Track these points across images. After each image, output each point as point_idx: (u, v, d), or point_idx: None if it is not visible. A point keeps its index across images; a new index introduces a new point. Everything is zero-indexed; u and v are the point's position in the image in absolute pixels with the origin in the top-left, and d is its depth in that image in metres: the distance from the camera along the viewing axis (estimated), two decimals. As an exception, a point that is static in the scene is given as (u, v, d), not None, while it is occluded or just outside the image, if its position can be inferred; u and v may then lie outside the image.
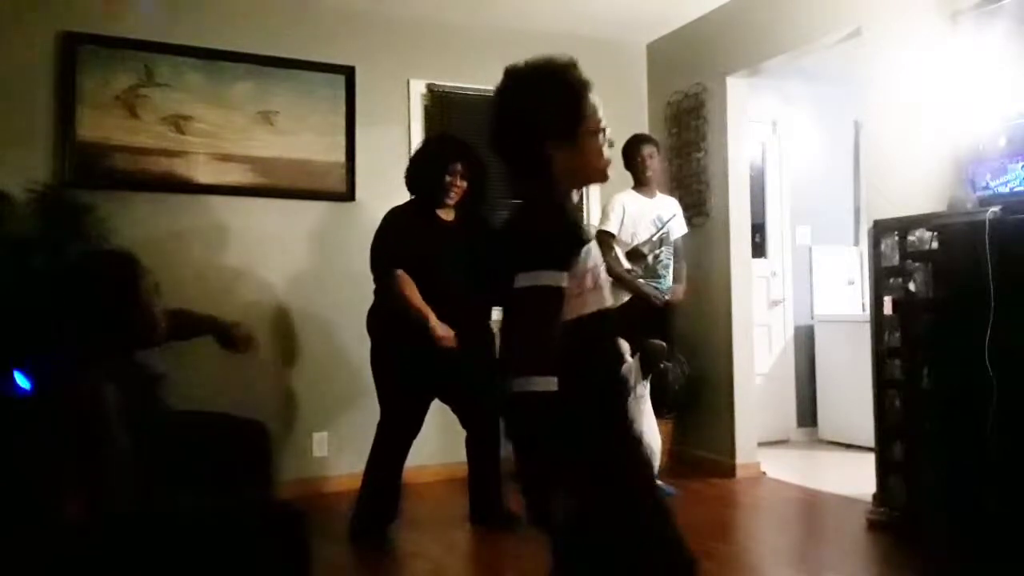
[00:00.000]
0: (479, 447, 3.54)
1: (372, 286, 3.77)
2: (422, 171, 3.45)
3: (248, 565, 1.80)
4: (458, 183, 3.40)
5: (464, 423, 3.57)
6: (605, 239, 3.88)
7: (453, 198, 3.42)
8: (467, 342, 3.34)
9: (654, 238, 3.90)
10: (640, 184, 4.08)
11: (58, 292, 2.24)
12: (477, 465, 3.57)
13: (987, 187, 3.10)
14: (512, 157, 1.70)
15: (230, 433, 2.95)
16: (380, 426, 3.46)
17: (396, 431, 3.44)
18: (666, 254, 4.03)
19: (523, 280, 1.53)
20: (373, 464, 3.45)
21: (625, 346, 2.67)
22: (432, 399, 3.52)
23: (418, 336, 3.27)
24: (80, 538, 1.70)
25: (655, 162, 4.10)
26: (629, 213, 3.98)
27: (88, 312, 2.13)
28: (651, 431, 3.78)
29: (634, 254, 3.85)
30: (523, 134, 1.65)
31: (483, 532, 3.53)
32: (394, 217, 3.47)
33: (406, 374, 3.38)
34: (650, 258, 3.90)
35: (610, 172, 1.72)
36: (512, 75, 1.68)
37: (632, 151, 4.06)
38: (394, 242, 3.40)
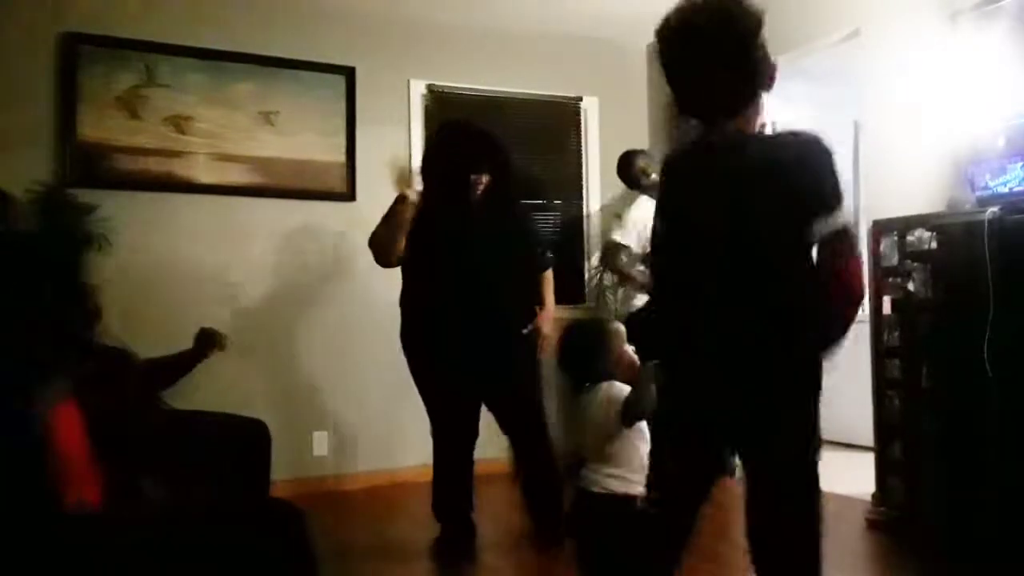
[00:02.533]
0: (534, 457, 3.19)
1: (373, 285, 3.77)
2: (442, 169, 3.12)
3: (249, 564, 1.80)
4: (482, 181, 3.10)
5: (509, 429, 3.23)
6: (614, 245, 3.92)
7: (477, 195, 3.12)
8: (505, 336, 3.13)
9: None
10: (643, 191, 4.10)
11: None
12: (536, 482, 3.19)
13: (986, 187, 3.11)
14: (736, 95, 1.71)
15: (231, 432, 2.96)
16: (433, 437, 3.20)
17: (450, 439, 3.16)
18: None
19: (839, 221, 1.59)
20: (438, 478, 3.20)
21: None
22: (480, 402, 3.19)
23: (447, 330, 3.05)
24: (78, 536, 1.70)
25: (653, 171, 4.11)
26: (641, 219, 3.98)
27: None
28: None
29: (645, 259, 3.87)
30: (752, 75, 1.69)
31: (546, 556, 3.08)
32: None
33: (446, 376, 3.11)
34: None
35: None
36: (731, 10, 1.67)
37: (628, 166, 4.08)
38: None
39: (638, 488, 2.03)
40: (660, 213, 1.85)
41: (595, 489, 2.22)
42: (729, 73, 1.67)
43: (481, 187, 3.11)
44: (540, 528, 3.19)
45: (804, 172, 1.63)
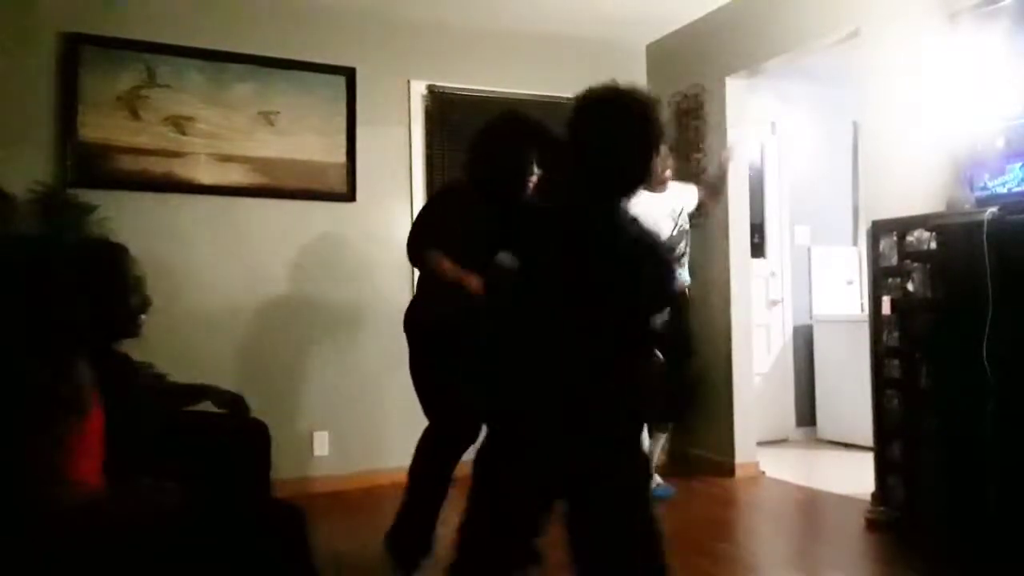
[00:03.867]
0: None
1: (372, 286, 3.78)
2: (499, 166, 2.86)
3: (249, 563, 1.81)
4: (534, 176, 2.87)
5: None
6: None
7: (529, 191, 2.89)
8: None
9: (674, 233, 3.94)
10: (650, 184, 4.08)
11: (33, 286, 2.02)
12: None
13: (985, 187, 3.12)
14: (643, 169, 1.88)
15: (231, 432, 2.96)
16: (433, 438, 2.91)
17: (451, 446, 2.87)
18: (684, 246, 4.08)
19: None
20: (421, 479, 2.92)
21: None
22: None
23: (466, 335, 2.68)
24: (79, 535, 1.70)
25: (663, 162, 4.04)
26: (644, 214, 3.95)
27: (64, 305, 1.98)
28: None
29: None
30: (651, 150, 1.85)
31: None
32: (448, 197, 2.96)
33: (457, 387, 2.81)
34: (676, 251, 3.94)
35: None
36: (633, 99, 1.81)
37: None
38: (438, 222, 2.85)
39: None
40: (527, 255, 1.87)
41: None
42: (638, 164, 1.86)
43: (533, 183, 2.89)
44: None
45: (661, 283, 1.94)
